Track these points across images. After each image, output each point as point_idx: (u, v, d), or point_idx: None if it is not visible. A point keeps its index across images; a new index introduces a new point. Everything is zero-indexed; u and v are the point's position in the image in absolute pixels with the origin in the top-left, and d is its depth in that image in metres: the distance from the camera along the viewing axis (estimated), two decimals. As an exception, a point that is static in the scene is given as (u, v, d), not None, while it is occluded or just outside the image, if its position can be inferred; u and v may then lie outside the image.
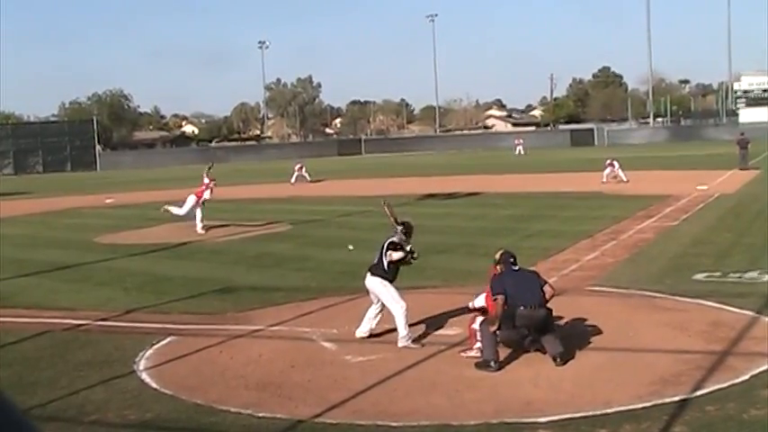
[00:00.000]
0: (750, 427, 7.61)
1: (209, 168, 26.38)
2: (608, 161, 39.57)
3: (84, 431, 8.30)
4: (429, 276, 15.94)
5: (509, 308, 10.05)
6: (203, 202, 25.42)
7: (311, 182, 47.61)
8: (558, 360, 9.75)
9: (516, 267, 10.58)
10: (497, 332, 9.96)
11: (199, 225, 25.10)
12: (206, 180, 25.64)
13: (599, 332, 11.16)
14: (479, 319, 10.54)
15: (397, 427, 8.00)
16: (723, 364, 9.52)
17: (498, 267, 10.63)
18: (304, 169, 49.26)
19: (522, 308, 10.01)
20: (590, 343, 10.74)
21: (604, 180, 37.88)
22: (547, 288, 10.38)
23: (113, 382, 9.84)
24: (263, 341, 11.63)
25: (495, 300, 10.21)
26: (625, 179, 37.82)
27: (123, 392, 9.46)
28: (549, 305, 10.25)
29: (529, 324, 10.01)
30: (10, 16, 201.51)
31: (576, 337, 10.91)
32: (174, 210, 25.81)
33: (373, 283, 11.36)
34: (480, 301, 10.90)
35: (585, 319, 11.81)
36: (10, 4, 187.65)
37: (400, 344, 10.94)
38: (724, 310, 12.20)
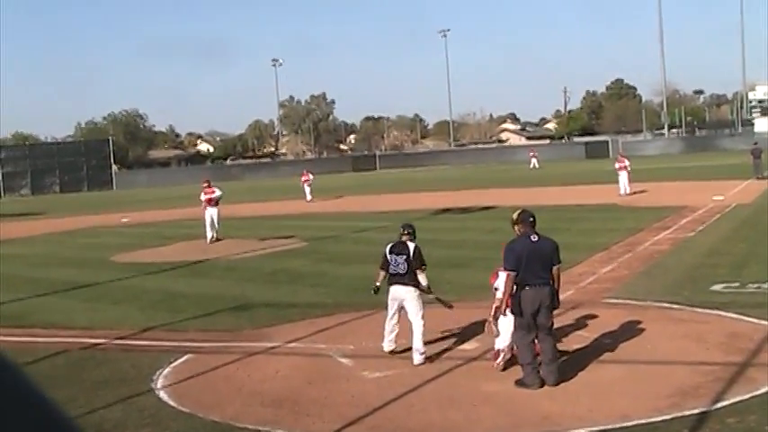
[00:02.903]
0: (771, 439, 7.54)
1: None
2: (618, 162, 39.24)
3: (102, 450, 8.31)
4: (444, 291, 15.83)
5: (517, 287, 9.70)
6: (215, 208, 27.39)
7: (311, 201, 46.08)
8: (551, 383, 9.58)
9: (535, 238, 9.91)
10: (507, 313, 9.78)
11: (209, 234, 27.10)
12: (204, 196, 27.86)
13: (616, 345, 11.10)
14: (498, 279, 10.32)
15: (414, 442, 7.97)
16: (743, 376, 9.44)
17: (517, 229, 10.10)
18: (310, 177, 48.26)
19: (527, 287, 9.66)
20: (607, 356, 10.67)
21: (622, 192, 37.32)
22: (555, 270, 9.85)
23: (131, 401, 9.86)
24: (279, 358, 11.63)
25: (505, 274, 9.86)
26: (623, 191, 37.37)
27: (141, 411, 9.48)
28: (555, 285, 9.82)
29: (533, 303, 9.61)
30: (25, 37, 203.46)
31: (592, 350, 10.86)
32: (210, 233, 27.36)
33: (410, 294, 11.06)
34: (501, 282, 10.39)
35: (602, 332, 11.75)
36: (26, 24, 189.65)
37: (419, 360, 10.84)
38: (742, 320, 12.11)
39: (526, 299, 9.66)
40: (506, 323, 10.25)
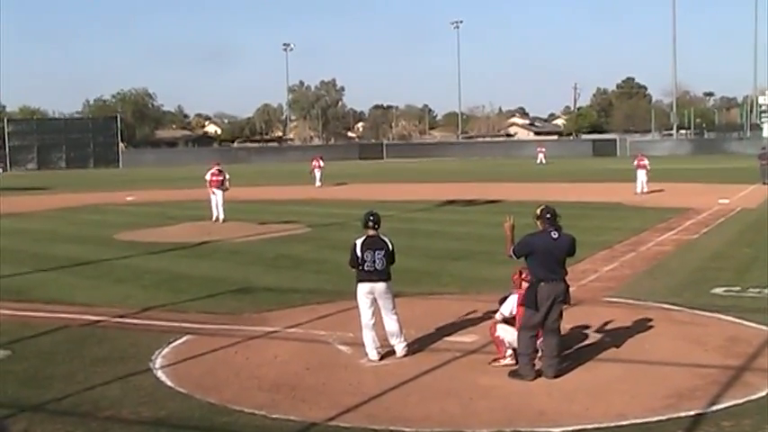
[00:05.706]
0: (765, 445, 7.55)
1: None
2: (638, 159, 39.49)
3: (99, 427, 8.34)
4: (446, 283, 15.93)
5: (533, 281, 9.82)
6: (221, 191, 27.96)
7: (320, 186, 46.88)
8: (549, 376, 9.68)
9: (556, 235, 9.93)
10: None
11: (214, 213, 27.66)
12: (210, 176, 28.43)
13: (615, 344, 11.11)
14: (500, 326, 10.39)
15: (409, 432, 7.99)
16: (740, 380, 9.45)
17: (539, 223, 10.09)
18: (322, 163, 48.87)
19: (543, 283, 9.75)
20: (605, 354, 10.68)
21: (638, 191, 37.74)
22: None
23: (129, 379, 9.90)
24: (278, 343, 11.65)
25: (510, 256, 10.06)
26: (639, 189, 37.89)
27: (138, 389, 9.51)
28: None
29: (548, 298, 9.69)
30: (35, 13, 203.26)
31: (591, 348, 10.87)
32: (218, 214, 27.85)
33: (389, 290, 10.77)
34: (508, 308, 10.37)
35: (602, 331, 11.77)
36: (36, 2, 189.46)
37: (404, 351, 10.74)
38: (742, 325, 12.11)
39: (542, 293, 9.75)
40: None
